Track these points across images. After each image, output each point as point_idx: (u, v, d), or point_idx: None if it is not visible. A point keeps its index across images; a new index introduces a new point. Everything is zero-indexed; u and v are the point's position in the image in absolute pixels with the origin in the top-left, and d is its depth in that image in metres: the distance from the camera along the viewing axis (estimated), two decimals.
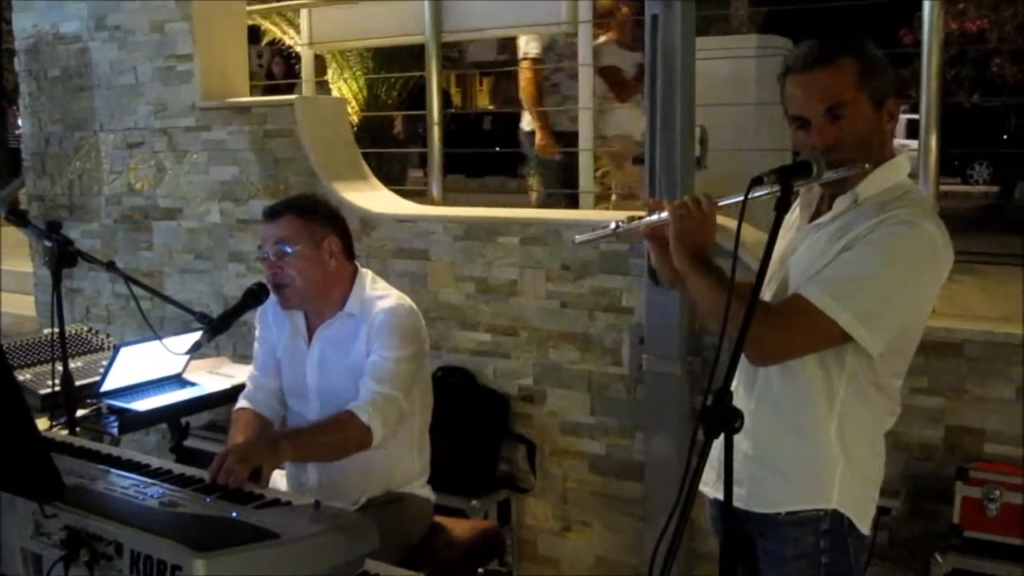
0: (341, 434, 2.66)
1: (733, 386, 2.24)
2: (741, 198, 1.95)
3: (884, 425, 2.20)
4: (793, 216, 2.28)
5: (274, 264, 2.77)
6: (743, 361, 2.19)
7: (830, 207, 2.14)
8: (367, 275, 2.90)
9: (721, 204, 2.11)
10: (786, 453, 2.16)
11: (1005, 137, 18.64)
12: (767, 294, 2.16)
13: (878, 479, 2.21)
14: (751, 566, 2.29)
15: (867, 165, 2.04)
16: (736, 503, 2.18)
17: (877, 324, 1.99)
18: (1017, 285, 3.93)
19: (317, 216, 2.82)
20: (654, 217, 2.19)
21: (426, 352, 2.92)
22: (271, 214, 2.82)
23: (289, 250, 2.75)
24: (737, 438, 2.16)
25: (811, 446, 2.13)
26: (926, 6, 3.55)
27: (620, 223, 2.28)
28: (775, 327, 1.99)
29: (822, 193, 2.18)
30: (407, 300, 2.87)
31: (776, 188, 1.89)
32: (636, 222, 2.24)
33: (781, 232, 2.26)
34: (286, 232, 2.77)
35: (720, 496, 2.20)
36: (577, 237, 2.46)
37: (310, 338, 2.90)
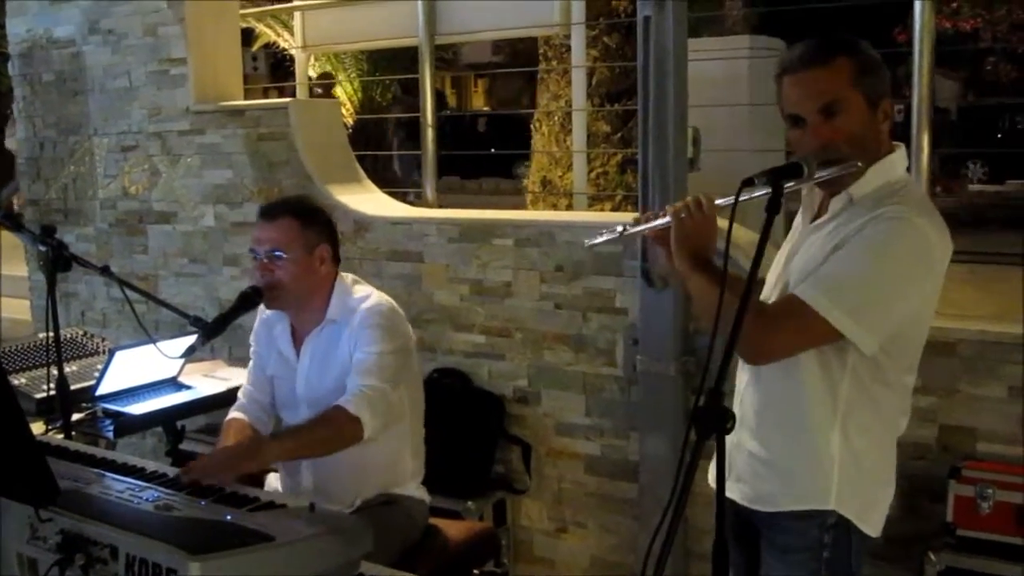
0: (330, 429, 2.63)
1: (741, 387, 2.26)
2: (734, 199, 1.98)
3: (896, 427, 2.19)
4: (797, 220, 2.30)
5: (265, 266, 2.78)
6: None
7: (828, 207, 2.15)
8: (347, 279, 2.91)
9: (720, 204, 2.12)
10: (787, 453, 2.17)
11: (999, 136, 18.70)
12: (773, 297, 2.18)
13: (888, 481, 2.21)
14: (754, 558, 2.30)
15: (859, 164, 2.04)
16: (741, 501, 2.22)
17: (869, 321, 1.99)
18: (1010, 283, 3.94)
19: (314, 222, 2.84)
20: (657, 221, 2.20)
21: (411, 349, 2.92)
22: (268, 214, 2.82)
23: (283, 255, 2.76)
24: (744, 438, 2.19)
25: (811, 447, 2.13)
26: (917, 5, 3.56)
27: (626, 226, 2.30)
28: (768, 326, 2.01)
29: (822, 195, 2.18)
30: (387, 299, 2.88)
31: (768, 190, 1.90)
32: (641, 225, 2.26)
33: (789, 235, 2.29)
34: (282, 237, 2.77)
35: (732, 497, 2.21)
36: (587, 241, 2.47)
37: (298, 350, 2.91)
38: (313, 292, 2.84)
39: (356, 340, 2.76)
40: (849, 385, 2.09)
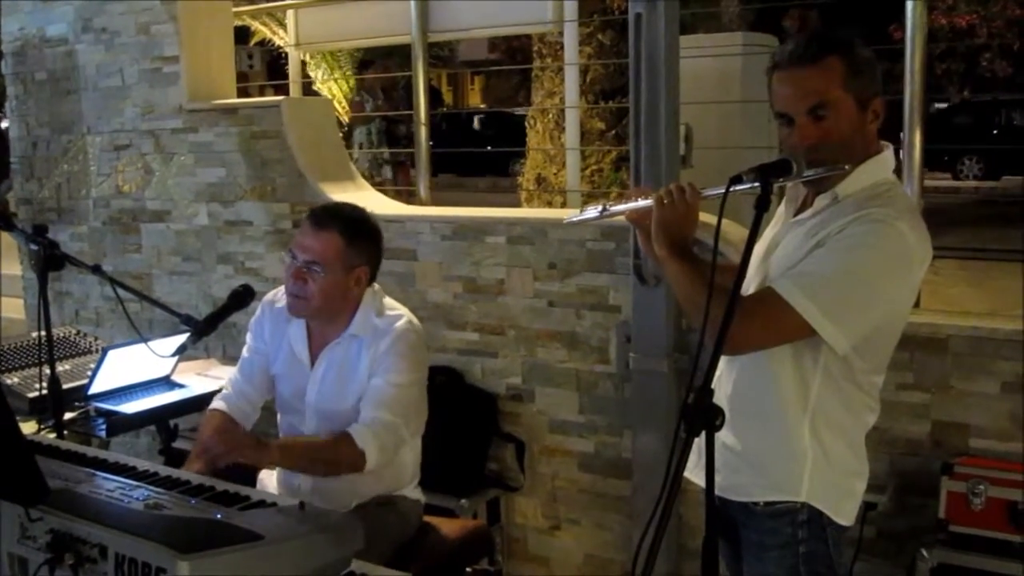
0: (334, 454, 2.66)
1: (717, 378, 2.27)
2: (723, 190, 1.98)
3: (864, 423, 2.21)
4: (780, 210, 2.30)
5: (300, 274, 2.71)
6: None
7: (813, 203, 2.16)
8: (374, 293, 2.84)
9: (706, 195, 2.12)
10: (759, 445, 2.20)
11: (995, 132, 18.76)
12: (751, 288, 2.18)
13: (860, 472, 2.23)
14: (735, 552, 2.31)
15: (846, 167, 2.04)
16: (717, 491, 2.22)
17: (843, 321, 2.01)
18: (1004, 279, 3.95)
19: (361, 242, 2.76)
20: (639, 203, 2.22)
21: (427, 372, 2.90)
22: (317, 222, 2.73)
23: (320, 272, 2.69)
24: None
25: (782, 439, 2.16)
26: (909, 4, 3.56)
27: (607, 205, 2.32)
28: (744, 318, 1.98)
29: (808, 189, 2.19)
30: (414, 321, 2.83)
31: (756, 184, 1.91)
32: (622, 205, 2.27)
33: (768, 225, 2.30)
34: (324, 252, 2.69)
35: (701, 481, 2.23)
36: (566, 217, 2.51)
37: (313, 356, 2.85)
38: (340, 308, 2.78)
39: (379, 364, 2.73)
40: (821, 382, 2.11)
